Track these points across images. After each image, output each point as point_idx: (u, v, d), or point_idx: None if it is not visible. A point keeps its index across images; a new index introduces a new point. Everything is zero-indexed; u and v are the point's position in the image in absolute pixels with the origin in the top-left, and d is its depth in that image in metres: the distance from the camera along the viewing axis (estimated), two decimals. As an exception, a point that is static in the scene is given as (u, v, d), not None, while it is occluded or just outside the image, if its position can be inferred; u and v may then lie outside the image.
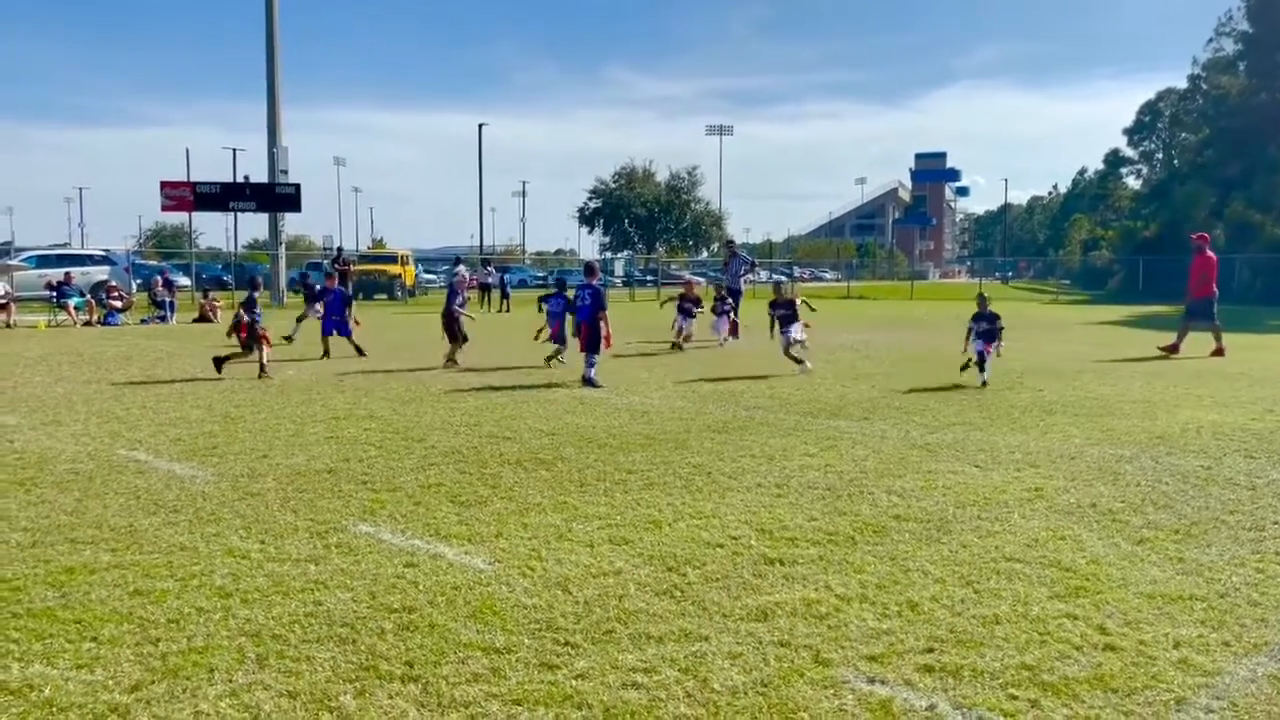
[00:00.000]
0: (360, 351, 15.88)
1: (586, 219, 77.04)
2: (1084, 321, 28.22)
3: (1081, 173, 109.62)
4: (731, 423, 9.57)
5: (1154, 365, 15.39)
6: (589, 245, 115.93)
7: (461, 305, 14.75)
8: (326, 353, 16.00)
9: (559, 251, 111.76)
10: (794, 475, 7.21)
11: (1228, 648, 4.04)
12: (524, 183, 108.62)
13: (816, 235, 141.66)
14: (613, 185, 75.95)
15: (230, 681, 3.70)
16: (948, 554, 5.30)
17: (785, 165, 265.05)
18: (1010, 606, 4.50)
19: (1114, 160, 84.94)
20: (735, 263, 21.83)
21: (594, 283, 12.84)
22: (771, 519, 6.00)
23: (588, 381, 12.15)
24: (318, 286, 18.01)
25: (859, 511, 6.17)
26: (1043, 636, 4.15)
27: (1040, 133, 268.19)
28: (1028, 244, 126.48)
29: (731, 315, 19.81)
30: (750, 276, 26.53)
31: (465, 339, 14.70)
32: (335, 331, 16.25)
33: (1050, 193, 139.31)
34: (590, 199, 76.54)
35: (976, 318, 12.87)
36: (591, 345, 12.45)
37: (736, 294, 20.88)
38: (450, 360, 14.35)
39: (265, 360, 13.49)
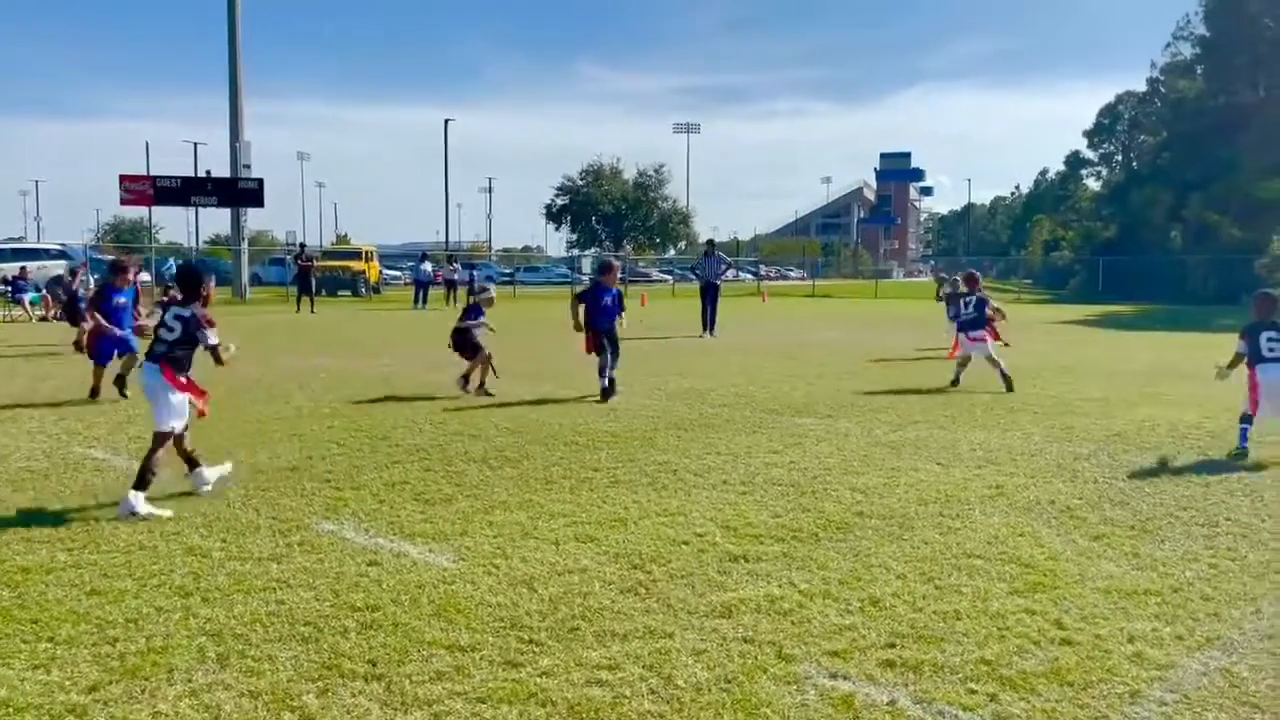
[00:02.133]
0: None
1: (554, 216, 76.85)
2: (1045, 320, 28.58)
3: (1043, 174, 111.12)
4: (698, 420, 9.60)
5: (1111, 364, 15.63)
6: (556, 242, 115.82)
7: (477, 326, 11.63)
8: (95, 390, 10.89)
9: (526, 248, 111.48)
10: (759, 472, 7.25)
11: (1181, 641, 4.13)
12: (490, 179, 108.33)
13: (783, 234, 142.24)
14: (580, 182, 75.83)
15: (190, 681, 3.66)
16: (910, 550, 5.36)
17: (752, 163, 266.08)
18: (970, 602, 4.56)
19: (1074, 162, 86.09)
20: (712, 260, 21.90)
21: (615, 286, 11.34)
22: (736, 516, 6.03)
23: (611, 390, 10.86)
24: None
25: (823, 508, 6.22)
26: (1002, 631, 4.21)
27: (1003, 134, 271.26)
28: (991, 244, 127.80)
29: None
30: (729, 275, 26.63)
31: (486, 356, 11.38)
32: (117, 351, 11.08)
33: (1012, 193, 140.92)
34: (558, 196, 76.38)
35: (953, 300, 13.34)
36: (616, 351, 11.07)
37: (715, 290, 20.92)
38: (468, 379, 11.27)
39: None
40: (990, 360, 11.94)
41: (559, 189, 76.26)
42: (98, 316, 10.68)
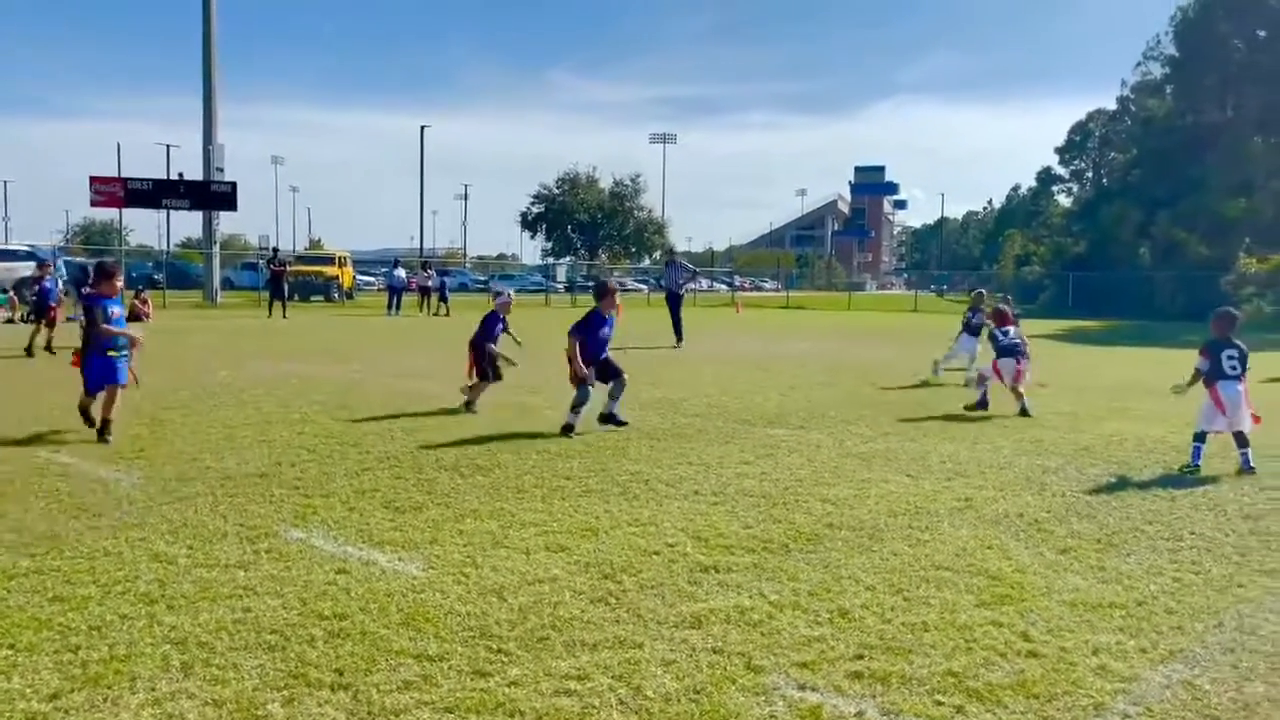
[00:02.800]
0: None
1: (529, 224, 76.79)
2: (1015, 334, 28.84)
3: (1015, 189, 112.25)
4: (670, 430, 9.61)
5: (1080, 378, 15.79)
6: (531, 250, 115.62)
7: (496, 337, 11.10)
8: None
9: (500, 256, 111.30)
10: (731, 483, 7.27)
11: (1144, 654, 4.17)
12: (466, 186, 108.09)
13: (757, 245, 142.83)
14: (556, 191, 75.82)
15: (153, 690, 3.62)
16: (879, 562, 5.39)
17: (728, 174, 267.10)
18: (938, 614, 4.59)
19: (1046, 178, 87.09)
20: (674, 269, 21.80)
21: (614, 313, 10.13)
22: (708, 526, 6.04)
23: (613, 418, 9.76)
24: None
25: (793, 519, 6.24)
26: (969, 643, 4.24)
27: (976, 148, 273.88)
28: (963, 258, 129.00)
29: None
30: (691, 285, 26.54)
31: (498, 378, 11.11)
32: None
33: (985, 208, 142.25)
34: (534, 204, 76.35)
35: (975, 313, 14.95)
36: (621, 381, 9.85)
37: (676, 299, 20.90)
38: (471, 400, 10.77)
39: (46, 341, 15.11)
40: (1016, 392, 11.24)
41: (535, 197, 76.30)
42: (109, 329, 8.69)
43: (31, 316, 18.05)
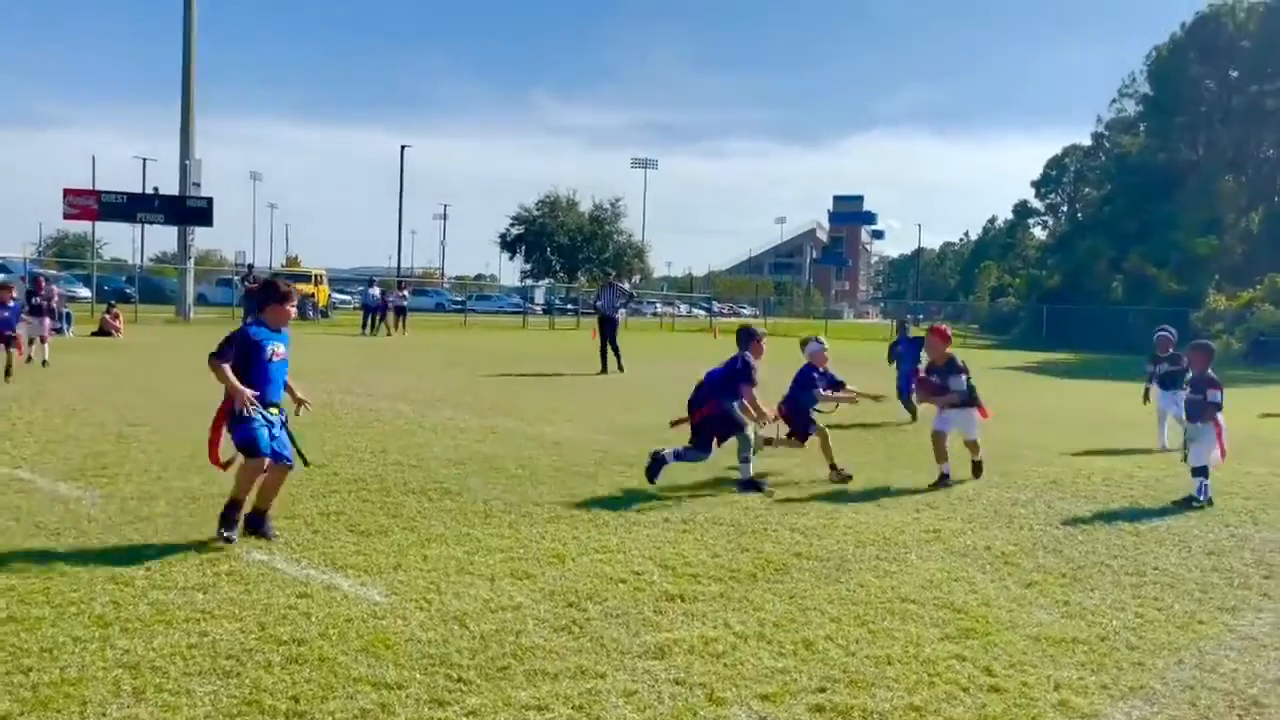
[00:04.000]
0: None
1: (508, 245, 76.69)
2: (988, 366, 29.05)
3: (991, 221, 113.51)
4: (641, 457, 9.55)
5: (1051, 411, 15.90)
6: (510, 271, 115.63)
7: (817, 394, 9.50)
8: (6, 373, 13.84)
9: (479, 276, 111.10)
10: (700, 511, 7.25)
11: (1105, 690, 4.18)
12: (445, 206, 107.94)
13: (736, 272, 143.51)
14: (536, 212, 75.86)
15: (103, 715, 3.55)
16: (845, 593, 5.38)
17: (708, 201, 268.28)
18: (902, 647, 4.58)
19: (1022, 211, 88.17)
20: (609, 293, 21.21)
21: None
22: (675, 554, 6.01)
23: (752, 485, 8.15)
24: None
25: (761, 548, 6.22)
26: (932, 677, 4.23)
27: (954, 180, 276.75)
28: (940, 288, 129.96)
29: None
30: (629, 307, 26.07)
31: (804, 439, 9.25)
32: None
33: (962, 239, 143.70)
34: (513, 225, 76.27)
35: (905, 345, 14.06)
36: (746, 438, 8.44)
37: (612, 323, 20.24)
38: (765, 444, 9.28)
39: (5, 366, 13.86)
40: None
41: (514, 218, 76.14)
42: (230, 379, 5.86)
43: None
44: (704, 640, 4.56)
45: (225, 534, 5.82)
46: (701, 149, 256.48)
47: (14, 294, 14.81)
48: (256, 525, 6.03)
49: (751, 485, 8.13)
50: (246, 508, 6.00)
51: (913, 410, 13.14)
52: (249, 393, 5.82)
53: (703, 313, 72.07)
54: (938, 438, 8.75)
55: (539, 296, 66.88)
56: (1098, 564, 6.22)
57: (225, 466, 6.00)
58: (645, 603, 5.08)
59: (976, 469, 9.06)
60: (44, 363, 16.25)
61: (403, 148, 67.49)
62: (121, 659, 4.05)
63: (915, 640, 4.68)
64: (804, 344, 9.99)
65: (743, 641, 4.57)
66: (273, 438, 5.94)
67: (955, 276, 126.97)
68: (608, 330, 19.96)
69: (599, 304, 21.74)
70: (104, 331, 25.64)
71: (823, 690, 4.05)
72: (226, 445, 5.98)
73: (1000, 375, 25.67)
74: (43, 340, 16.82)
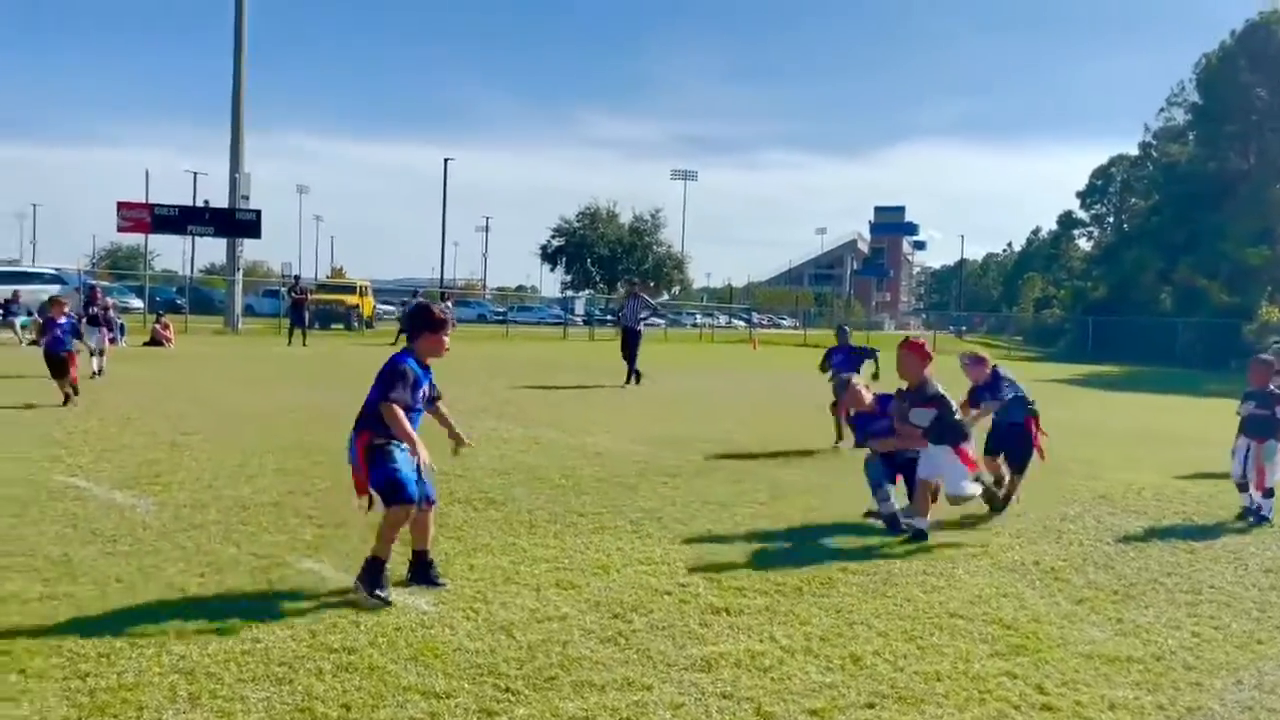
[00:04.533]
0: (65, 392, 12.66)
1: (549, 257, 77.10)
2: (1033, 379, 28.65)
3: (1035, 232, 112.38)
4: (684, 468, 9.58)
5: (1099, 425, 15.67)
6: (550, 283, 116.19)
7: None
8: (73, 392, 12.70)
9: (520, 287, 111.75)
10: (744, 523, 7.22)
11: (1162, 711, 4.10)
12: (487, 218, 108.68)
13: (776, 283, 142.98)
14: (576, 224, 76.22)
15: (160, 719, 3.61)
16: (893, 608, 5.34)
17: (748, 212, 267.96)
18: (952, 663, 4.53)
19: (1067, 221, 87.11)
20: (634, 303, 20.59)
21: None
22: (720, 567, 5.99)
23: (917, 531, 6.89)
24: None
25: (808, 562, 6.19)
26: (982, 695, 4.18)
27: (997, 190, 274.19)
28: (982, 299, 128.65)
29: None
30: (654, 320, 25.31)
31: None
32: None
33: (1005, 250, 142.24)
34: (554, 237, 76.70)
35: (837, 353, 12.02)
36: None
37: (634, 335, 19.72)
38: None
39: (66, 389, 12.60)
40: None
41: (555, 230, 76.60)
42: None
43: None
44: (750, 654, 4.54)
45: (380, 593, 4.97)
46: (741, 160, 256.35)
47: (66, 309, 13.67)
48: (421, 573, 5.33)
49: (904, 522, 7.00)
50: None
51: (840, 429, 11.21)
52: (425, 453, 5.05)
53: (742, 323, 71.91)
54: (921, 486, 6.92)
55: (579, 308, 67.06)
56: (1151, 581, 6.11)
57: (369, 508, 5.20)
58: (690, 615, 5.07)
59: (997, 502, 7.28)
60: (98, 373, 16.29)
61: (446, 160, 68.40)
62: (177, 664, 4.12)
63: (964, 656, 4.63)
64: (972, 361, 8.28)
65: (790, 655, 4.54)
66: (418, 480, 5.16)
67: (998, 288, 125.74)
68: (630, 342, 19.51)
69: (621, 314, 21.46)
70: (155, 342, 26.12)
71: (871, 706, 4.02)
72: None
73: (1046, 388, 25.33)
74: (100, 352, 16.88)
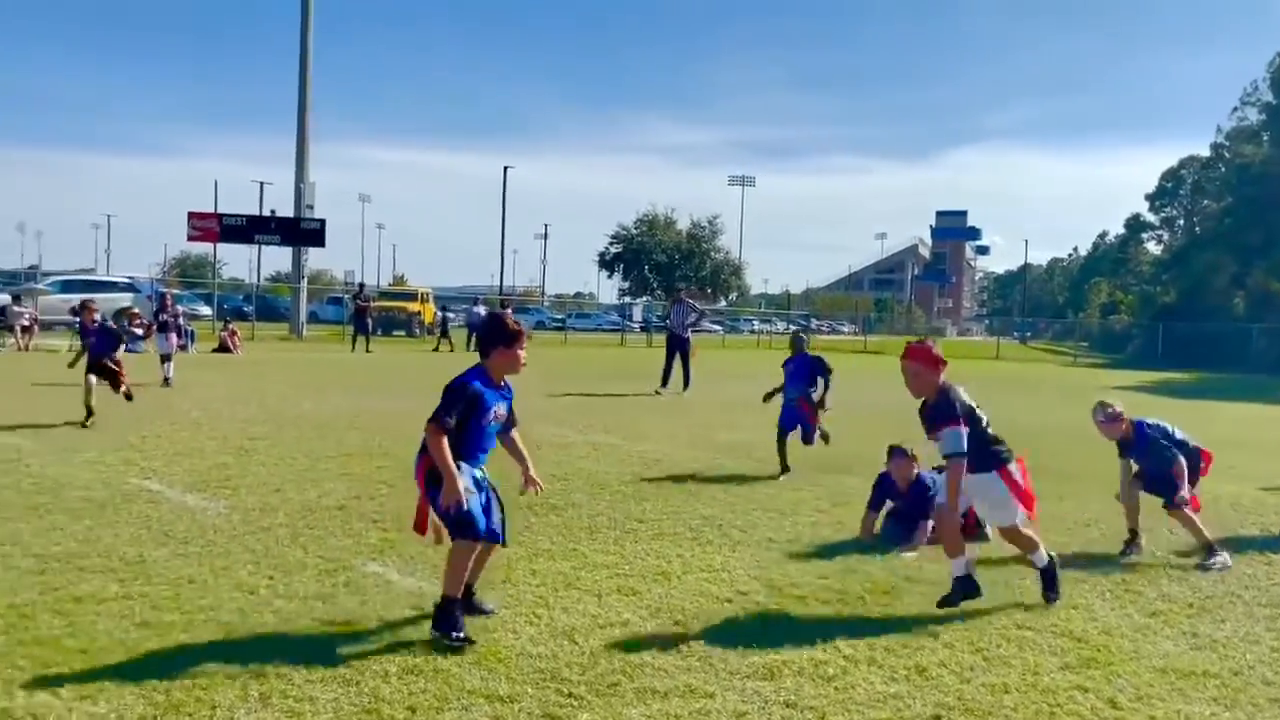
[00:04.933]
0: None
1: (607, 264, 77.47)
2: (1101, 386, 28.05)
3: (1102, 236, 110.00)
4: (744, 475, 9.54)
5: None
6: (608, 289, 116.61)
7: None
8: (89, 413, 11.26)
9: (578, 294, 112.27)
10: (805, 531, 7.17)
11: (1241, 728, 3.98)
12: (546, 225, 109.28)
13: (835, 288, 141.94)
14: (634, 231, 76.47)
15: (231, 719, 3.69)
16: (957, 619, 5.25)
17: (806, 217, 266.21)
18: (1020, 675, 4.45)
19: (1135, 225, 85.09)
20: (679, 309, 20.16)
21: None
22: (781, 575, 5.96)
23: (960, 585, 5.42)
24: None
25: (870, 571, 6.12)
26: (1052, 708, 4.10)
27: (1061, 194, 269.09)
28: (1047, 305, 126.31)
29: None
30: (706, 325, 24.57)
31: None
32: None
33: (1070, 255, 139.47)
34: (611, 244, 77.04)
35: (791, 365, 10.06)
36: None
37: (683, 343, 19.28)
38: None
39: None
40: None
41: (613, 237, 76.98)
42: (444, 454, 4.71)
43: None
44: (814, 662, 4.51)
45: (458, 636, 4.52)
46: (799, 165, 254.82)
47: (97, 314, 12.47)
48: (466, 606, 4.85)
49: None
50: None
51: (784, 460, 9.63)
52: (463, 484, 4.60)
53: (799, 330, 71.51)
54: (943, 518, 5.50)
55: (637, 314, 67.22)
56: (1227, 594, 5.93)
57: (438, 541, 4.84)
58: (752, 623, 5.05)
59: (1047, 582, 5.58)
60: (167, 381, 16.47)
61: (505, 169, 69.02)
62: (248, 665, 4.20)
63: (1033, 669, 4.54)
64: (1107, 420, 7.28)
65: (853, 665, 4.50)
66: (486, 512, 4.78)
67: (1064, 293, 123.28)
68: (676, 348, 19.07)
69: (668, 321, 21.18)
70: (223, 348, 26.73)
71: (938, 717, 3.96)
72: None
73: (1115, 396, 24.79)
74: (169, 358, 17.16)
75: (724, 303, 79.92)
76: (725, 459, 10.48)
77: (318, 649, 4.42)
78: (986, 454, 5.41)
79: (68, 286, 33.01)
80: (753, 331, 68.55)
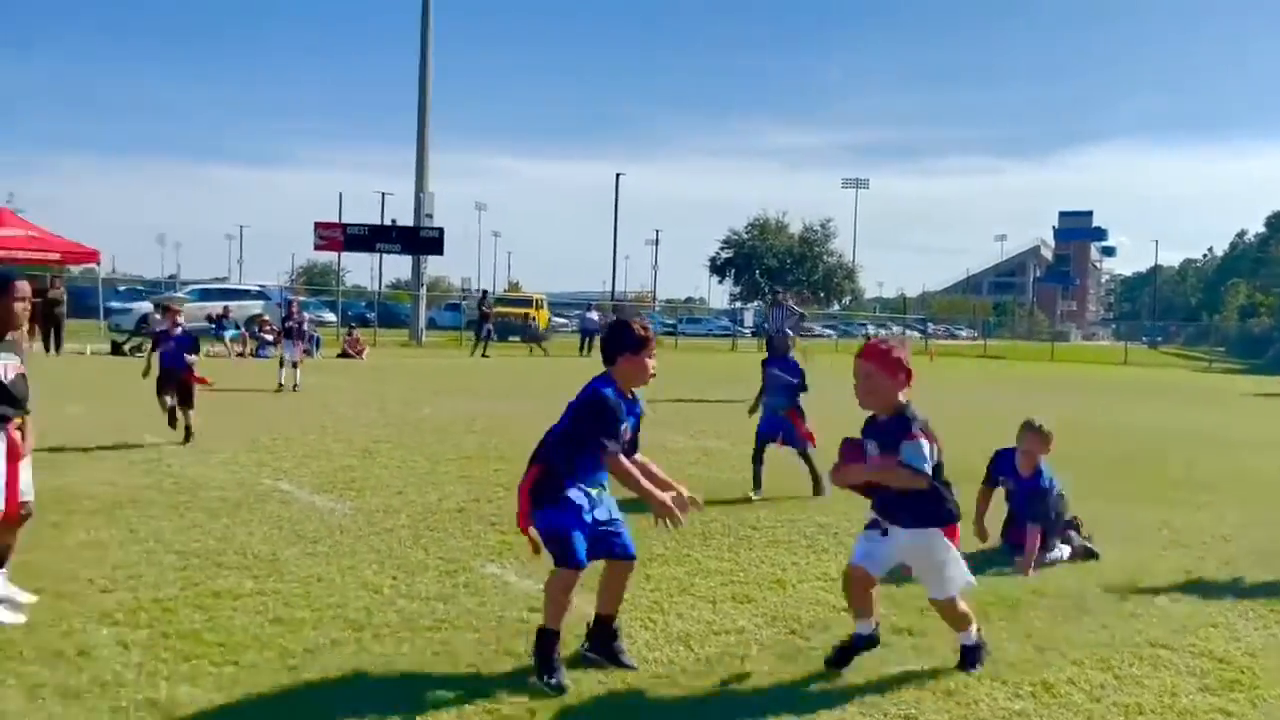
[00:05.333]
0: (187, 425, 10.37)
1: (718, 268, 77.30)
2: (1240, 392, 26.63)
3: (1240, 235, 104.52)
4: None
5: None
6: (719, 294, 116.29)
7: None
8: (172, 420, 10.45)
9: (688, 299, 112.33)
10: (924, 541, 7.00)
11: (1403, 760, 3.72)
12: (657, 231, 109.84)
13: (953, 292, 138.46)
14: (745, 236, 76.13)
15: (359, 715, 3.81)
16: (1086, 635, 5.06)
17: (921, 219, 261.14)
18: (1155, 696, 4.26)
19: (1277, 222, 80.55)
20: (778, 312, 20.01)
21: None
22: (899, 586, 5.82)
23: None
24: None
25: (993, 583, 5.94)
26: (1191, 732, 3.91)
27: (1193, 193, 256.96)
28: (1178, 308, 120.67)
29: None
30: (820, 329, 23.98)
31: None
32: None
33: (1205, 255, 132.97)
34: (722, 249, 76.86)
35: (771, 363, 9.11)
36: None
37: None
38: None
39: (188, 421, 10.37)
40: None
41: (724, 242, 76.79)
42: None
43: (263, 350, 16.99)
44: (934, 676, 4.40)
45: (550, 680, 4.09)
46: (915, 166, 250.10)
47: (180, 317, 11.18)
48: (603, 644, 4.43)
49: None
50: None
51: (758, 476, 8.61)
52: (668, 498, 4.31)
53: (917, 334, 69.92)
54: (854, 580, 4.49)
55: (748, 319, 66.87)
56: (1385, 616, 5.55)
57: (536, 552, 4.45)
58: (870, 634, 4.95)
59: (967, 658, 4.48)
60: (293, 385, 17.01)
61: (617, 175, 69.71)
62: (375, 662, 4.34)
63: (1170, 690, 4.34)
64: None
65: (976, 680, 4.37)
66: (596, 536, 4.39)
67: (1197, 295, 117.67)
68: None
69: (766, 325, 20.89)
70: (346, 354, 27.68)
71: (1067, 737, 3.82)
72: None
73: (1257, 402, 23.49)
74: (295, 364, 17.55)
75: (837, 306, 78.85)
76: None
77: (439, 649, 4.53)
78: (938, 504, 4.34)
79: (204, 295, 34.76)
80: (866, 336, 67.43)
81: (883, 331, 63.28)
